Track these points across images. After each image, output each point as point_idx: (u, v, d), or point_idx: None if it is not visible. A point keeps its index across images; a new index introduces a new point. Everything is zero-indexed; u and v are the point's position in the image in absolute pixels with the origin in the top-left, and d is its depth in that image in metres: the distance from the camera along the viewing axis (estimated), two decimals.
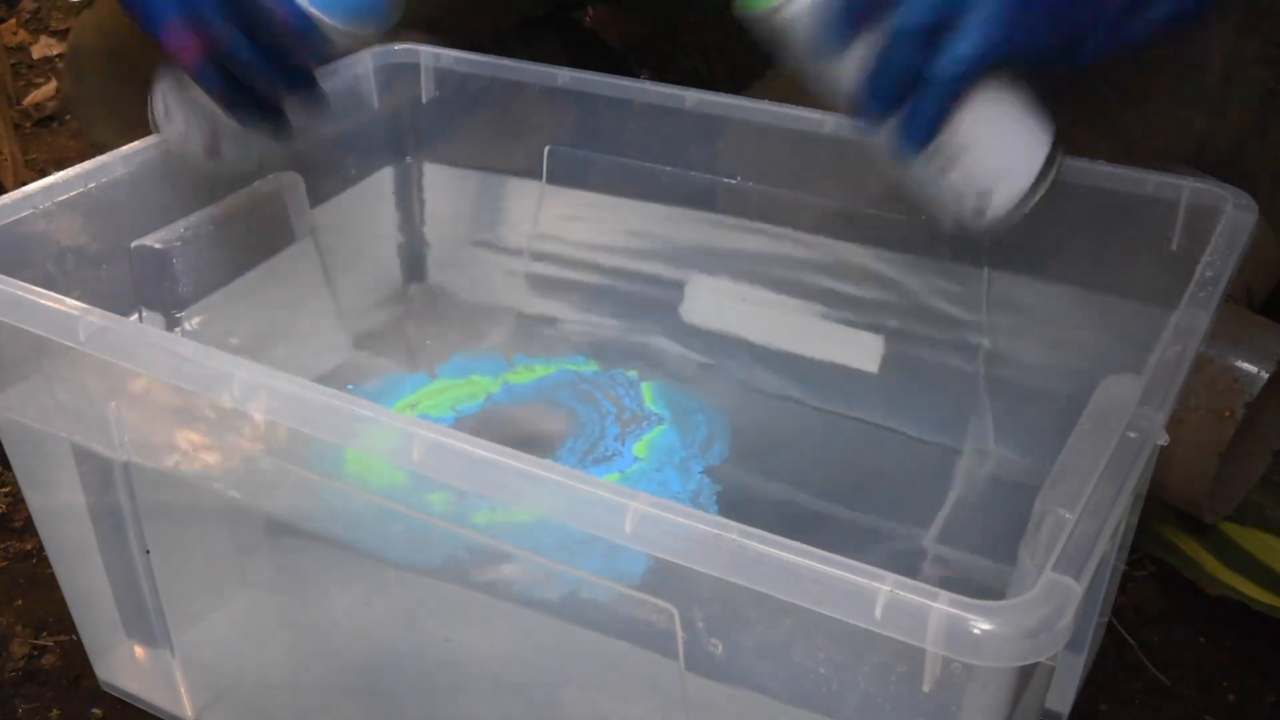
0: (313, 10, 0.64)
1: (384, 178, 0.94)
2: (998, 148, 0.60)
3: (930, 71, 0.53)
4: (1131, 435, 0.52)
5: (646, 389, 0.88)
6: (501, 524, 0.55)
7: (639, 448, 0.82)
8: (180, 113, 0.69)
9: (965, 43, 0.52)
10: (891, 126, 0.56)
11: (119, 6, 0.86)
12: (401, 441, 0.52)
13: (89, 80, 0.88)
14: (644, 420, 0.85)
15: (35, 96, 1.78)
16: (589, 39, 1.21)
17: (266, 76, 0.64)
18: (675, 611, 0.52)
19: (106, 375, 0.63)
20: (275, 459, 0.61)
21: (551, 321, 0.95)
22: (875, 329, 0.85)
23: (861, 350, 0.86)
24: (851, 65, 0.56)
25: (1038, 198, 0.61)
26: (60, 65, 1.89)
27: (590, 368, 0.92)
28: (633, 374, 0.90)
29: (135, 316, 0.77)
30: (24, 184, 0.72)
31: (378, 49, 0.89)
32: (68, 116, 1.69)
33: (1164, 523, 0.90)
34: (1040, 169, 0.60)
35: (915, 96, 0.54)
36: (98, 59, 0.88)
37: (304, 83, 0.65)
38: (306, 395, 0.54)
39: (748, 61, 0.91)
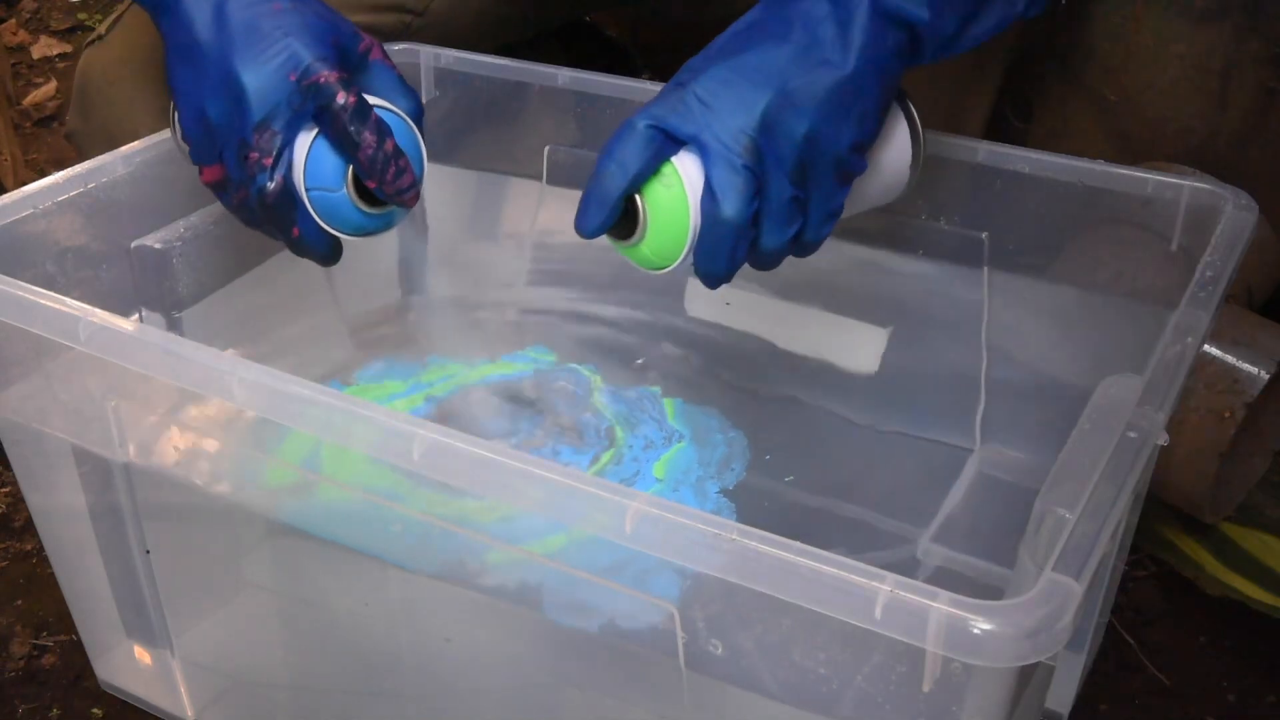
0: (328, 229, 0.65)
1: None
2: (871, 193, 0.66)
3: (797, 247, 0.62)
4: (1131, 435, 0.52)
5: (669, 405, 0.87)
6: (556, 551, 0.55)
7: (658, 468, 0.81)
8: None
9: (813, 230, 0.61)
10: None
11: (128, 47, 0.87)
12: (401, 441, 0.52)
13: (95, 117, 0.88)
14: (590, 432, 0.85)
15: (35, 96, 1.78)
16: (589, 33, 1.21)
17: (271, 237, 0.67)
18: (675, 611, 0.52)
19: (106, 375, 0.63)
20: (274, 459, 0.61)
21: (550, 320, 0.95)
22: (875, 328, 0.85)
23: (862, 350, 0.86)
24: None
25: (919, 169, 0.68)
26: (60, 65, 1.89)
27: (548, 358, 0.91)
28: (656, 389, 0.88)
29: (135, 316, 0.77)
30: (24, 184, 0.72)
31: None
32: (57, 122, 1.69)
33: (1164, 523, 0.90)
34: (909, 161, 0.67)
35: (795, 253, 0.63)
36: (105, 97, 0.88)
37: (307, 256, 0.67)
38: (306, 395, 0.54)
39: None
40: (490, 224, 0.99)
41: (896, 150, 0.66)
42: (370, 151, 0.62)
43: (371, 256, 0.96)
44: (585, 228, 0.61)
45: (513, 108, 0.89)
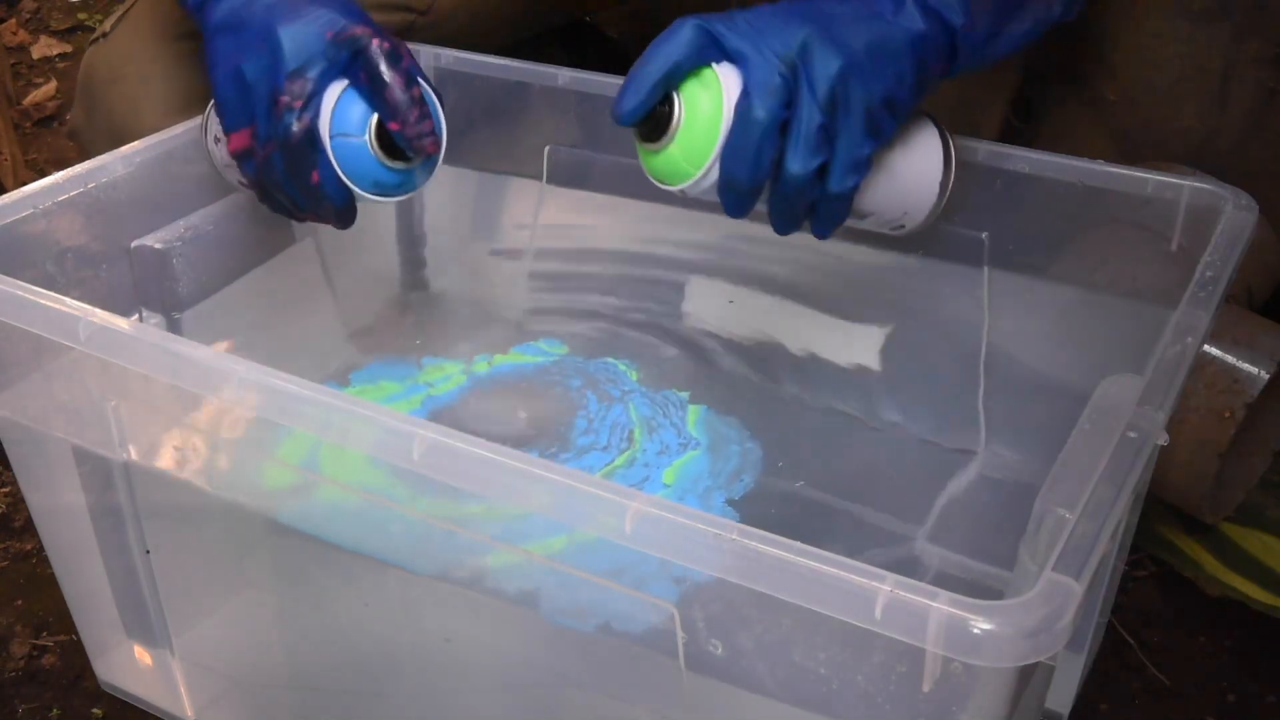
0: (346, 180, 0.67)
1: None
2: (896, 192, 0.67)
3: (820, 196, 0.63)
4: (1131, 435, 0.52)
5: (693, 412, 0.87)
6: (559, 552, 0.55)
7: (668, 474, 0.82)
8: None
9: (837, 177, 0.62)
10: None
11: (132, 45, 0.87)
12: (401, 441, 0.52)
13: (98, 114, 0.89)
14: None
15: (35, 96, 1.78)
16: (590, 34, 1.21)
17: (291, 198, 0.69)
18: (675, 611, 0.52)
19: (106, 375, 0.63)
20: (273, 459, 0.61)
21: (550, 320, 0.95)
22: (875, 328, 0.85)
23: (862, 349, 0.86)
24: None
25: (947, 195, 0.69)
26: (60, 65, 1.89)
27: (559, 350, 0.91)
28: (684, 395, 0.88)
29: (135, 316, 0.77)
30: (24, 184, 0.72)
31: None
32: (61, 122, 1.69)
33: (1164, 523, 0.90)
34: (939, 180, 0.68)
35: (814, 214, 0.64)
36: (109, 94, 0.88)
37: (323, 212, 0.69)
38: (305, 395, 0.54)
39: None
40: (490, 224, 0.99)
41: (928, 162, 0.67)
42: (398, 93, 0.65)
43: (372, 256, 0.96)
44: (622, 109, 0.62)
45: (513, 108, 0.89)
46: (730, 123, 0.61)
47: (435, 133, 0.66)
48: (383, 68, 0.65)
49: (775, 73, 0.60)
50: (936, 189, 0.68)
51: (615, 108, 0.62)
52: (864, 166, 0.62)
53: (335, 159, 0.66)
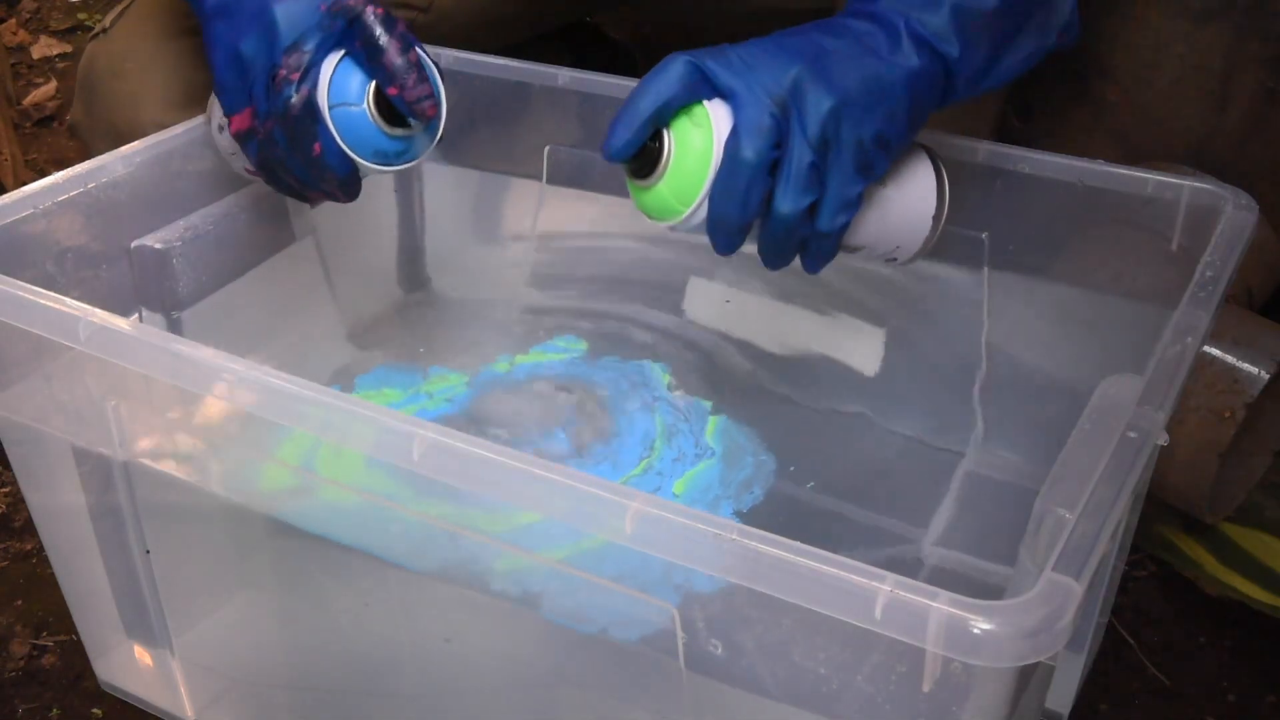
0: (347, 150, 0.67)
1: (384, 177, 0.94)
2: (888, 227, 0.66)
3: (810, 234, 0.62)
4: (1131, 435, 0.52)
5: (712, 421, 0.86)
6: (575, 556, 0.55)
7: (679, 484, 0.81)
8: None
9: (827, 216, 0.61)
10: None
11: (132, 40, 0.87)
12: (401, 441, 0.52)
13: (98, 110, 0.89)
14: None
15: (35, 96, 1.78)
16: (593, 35, 1.21)
17: (295, 174, 0.69)
18: (675, 611, 0.52)
19: (106, 375, 0.63)
20: (273, 459, 0.61)
21: (550, 320, 0.95)
22: (875, 329, 0.85)
23: (861, 349, 0.86)
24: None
25: (940, 228, 0.67)
26: (60, 65, 1.89)
27: (578, 347, 0.91)
28: (707, 404, 0.87)
29: (135, 316, 0.77)
30: (24, 184, 0.72)
31: None
32: (62, 121, 1.69)
33: (1164, 523, 0.90)
34: (932, 214, 0.67)
35: (804, 251, 0.64)
36: (109, 89, 0.88)
37: (327, 185, 0.69)
38: (305, 395, 0.54)
39: None
40: (490, 224, 0.99)
41: (920, 196, 0.66)
42: (395, 57, 0.65)
43: (372, 256, 0.96)
44: (611, 146, 0.62)
45: (513, 108, 0.89)
46: (720, 161, 0.60)
47: (434, 96, 0.66)
48: (378, 33, 0.65)
49: (766, 112, 0.59)
50: (929, 223, 0.67)
51: (604, 144, 0.62)
52: (854, 205, 0.62)
53: (335, 129, 0.66)
